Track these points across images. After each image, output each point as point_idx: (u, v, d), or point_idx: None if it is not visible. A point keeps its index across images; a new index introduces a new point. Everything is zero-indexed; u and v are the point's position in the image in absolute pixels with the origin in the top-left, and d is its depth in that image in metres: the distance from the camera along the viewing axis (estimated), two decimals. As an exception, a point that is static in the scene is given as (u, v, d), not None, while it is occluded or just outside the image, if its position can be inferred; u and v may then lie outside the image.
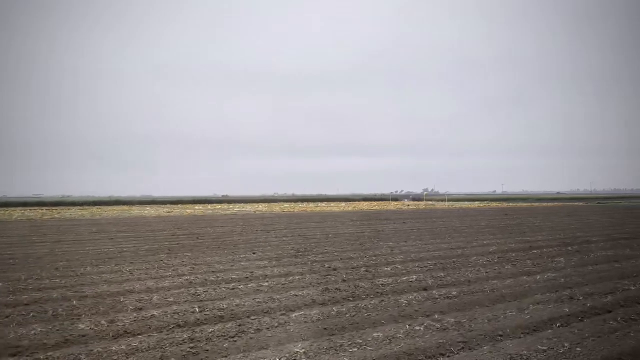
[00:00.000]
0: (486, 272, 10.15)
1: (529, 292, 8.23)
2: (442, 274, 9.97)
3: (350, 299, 7.70)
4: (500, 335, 5.81)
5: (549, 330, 6.02)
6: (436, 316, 6.61)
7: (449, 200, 79.75)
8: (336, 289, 8.38)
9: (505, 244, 15.65)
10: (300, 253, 13.44)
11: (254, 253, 13.39)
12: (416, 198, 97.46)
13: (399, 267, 10.94)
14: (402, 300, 7.53)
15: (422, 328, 6.02)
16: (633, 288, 8.48)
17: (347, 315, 6.64)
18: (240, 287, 8.57)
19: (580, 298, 7.77)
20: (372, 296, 7.90)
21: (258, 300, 7.49)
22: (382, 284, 8.83)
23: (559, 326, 6.26)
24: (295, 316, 6.52)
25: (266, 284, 8.85)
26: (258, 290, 8.33)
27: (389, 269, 10.63)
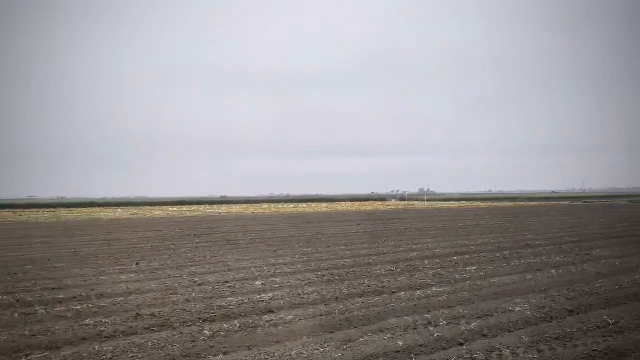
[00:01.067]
0: (369, 286, 8.66)
1: (387, 314, 6.74)
2: (313, 289, 8.47)
3: (154, 329, 6.20)
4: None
5: (343, 379, 4.53)
6: (220, 357, 5.11)
7: (429, 200, 78.30)
8: (152, 314, 6.87)
9: (434, 249, 14.15)
10: (190, 263, 11.94)
11: (137, 264, 11.88)
12: (402, 198, 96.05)
13: (277, 280, 9.45)
14: (205, 331, 6.02)
15: (171, 378, 4.52)
16: (518, 309, 6.98)
17: (105, 357, 5.14)
18: (40, 312, 7.05)
19: (442, 324, 6.28)
20: (188, 324, 6.40)
21: (39, 328, 5.98)
22: (221, 306, 7.32)
23: (372, 369, 4.78)
24: (35, 358, 5.01)
25: (78, 307, 7.34)
26: (58, 316, 6.83)
27: (259, 283, 9.13)
